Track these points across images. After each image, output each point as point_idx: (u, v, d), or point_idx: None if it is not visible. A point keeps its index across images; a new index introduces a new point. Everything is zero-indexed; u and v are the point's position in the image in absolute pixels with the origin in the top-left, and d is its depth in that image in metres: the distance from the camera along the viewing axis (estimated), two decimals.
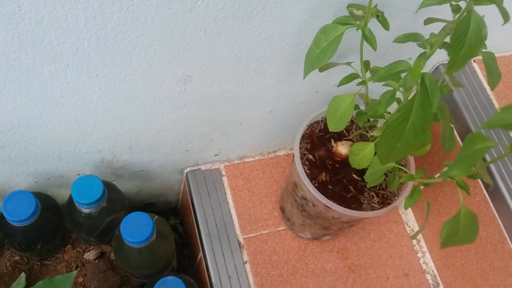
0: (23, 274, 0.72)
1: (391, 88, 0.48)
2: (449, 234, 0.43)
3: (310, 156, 0.65)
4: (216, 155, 0.84)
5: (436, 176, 0.71)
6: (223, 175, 0.86)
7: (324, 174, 0.63)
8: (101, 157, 0.74)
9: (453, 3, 0.39)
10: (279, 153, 0.89)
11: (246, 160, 0.88)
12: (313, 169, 0.64)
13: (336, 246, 0.80)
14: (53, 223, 0.73)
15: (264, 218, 0.82)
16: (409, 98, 0.42)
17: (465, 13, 0.36)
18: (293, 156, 0.68)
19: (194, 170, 0.85)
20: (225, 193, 0.84)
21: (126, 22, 0.49)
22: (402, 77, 0.43)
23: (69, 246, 0.79)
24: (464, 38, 0.35)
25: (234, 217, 0.81)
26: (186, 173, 0.85)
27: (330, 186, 0.63)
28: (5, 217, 0.67)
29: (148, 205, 0.97)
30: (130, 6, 0.48)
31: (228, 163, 0.87)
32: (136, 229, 0.67)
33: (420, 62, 0.40)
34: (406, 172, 0.55)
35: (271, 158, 0.89)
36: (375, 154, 0.53)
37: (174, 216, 1.01)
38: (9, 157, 0.67)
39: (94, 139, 0.69)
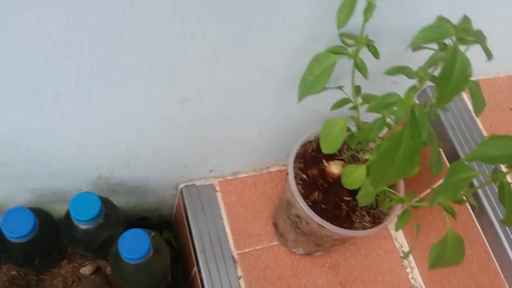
0: None
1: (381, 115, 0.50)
2: (437, 257, 0.45)
3: (304, 175, 0.67)
4: (210, 171, 0.86)
5: (422, 195, 0.74)
6: (217, 191, 0.87)
7: (317, 193, 0.65)
8: (98, 174, 0.75)
9: (440, 42, 0.41)
10: (271, 169, 0.91)
11: (240, 176, 0.89)
12: (307, 188, 0.66)
13: (328, 262, 0.82)
14: (51, 238, 0.74)
15: (258, 233, 0.84)
16: (399, 125, 0.45)
17: (450, 53, 0.39)
18: (287, 174, 0.70)
19: (188, 185, 0.87)
20: (219, 209, 0.85)
21: (128, 49, 0.51)
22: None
23: (65, 261, 0.80)
24: (451, 77, 0.38)
25: (228, 232, 0.83)
26: (181, 188, 0.87)
27: (322, 205, 0.65)
28: (3, 233, 0.68)
29: (142, 219, 0.99)
30: (132, 35, 0.50)
31: (222, 179, 0.89)
32: (134, 245, 0.68)
33: (410, 95, 0.43)
34: (395, 193, 0.58)
35: (264, 174, 0.90)
36: (367, 175, 0.55)
37: (168, 229, 1.02)
38: (9, 175, 0.69)
39: (92, 157, 0.70)
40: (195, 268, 0.82)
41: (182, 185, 0.87)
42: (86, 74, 0.53)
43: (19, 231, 0.68)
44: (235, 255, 0.81)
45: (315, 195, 0.66)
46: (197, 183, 0.87)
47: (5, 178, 0.69)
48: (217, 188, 0.87)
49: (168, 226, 1.04)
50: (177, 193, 0.90)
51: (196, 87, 0.61)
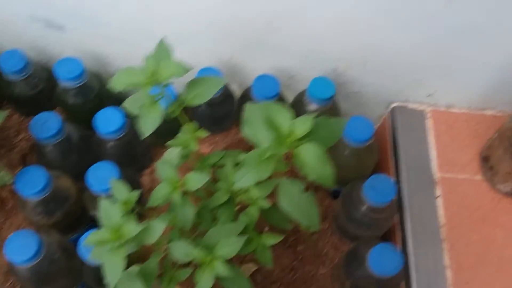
0: None
1: None
2: None
3: None
4: (428, 95, 0.88)
5: None
6: (428, 118, 0.89)
7: None
8: (335, 66, 0.83)
9: None
10: (486, 112, 0.90)
11: (453, 110, 0.90)
12: None
13: None
14: None
15: (462, 164, 0.85)
16: None
17: None
18: None
19: (401, 106, 0.91)
20: (427, 134, 0.88)
21: None
22: None
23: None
24: None
25: (433, 155, 0.85)
26: (393, 107, 0.91)
27: None
28: None
29: None
30: None
31: (434, 108, 0.90)
32: (358, 129, 0.75)
33: None
34: None
35: (477, 115, 0.90)
36: None
37: None
38: (267, 49, 0.79)
39: (339, 46, 0.77)
40: (393, 179, 0.86)
41: (395, 104, 0.91)
42: None
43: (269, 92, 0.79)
44: (436, 177, 0.83)
45: None
46: (410, 105, 0.91)
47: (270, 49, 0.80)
48: (429, 115, 0.90)
49: None
50: (385, 112, 0.94)
51: None
